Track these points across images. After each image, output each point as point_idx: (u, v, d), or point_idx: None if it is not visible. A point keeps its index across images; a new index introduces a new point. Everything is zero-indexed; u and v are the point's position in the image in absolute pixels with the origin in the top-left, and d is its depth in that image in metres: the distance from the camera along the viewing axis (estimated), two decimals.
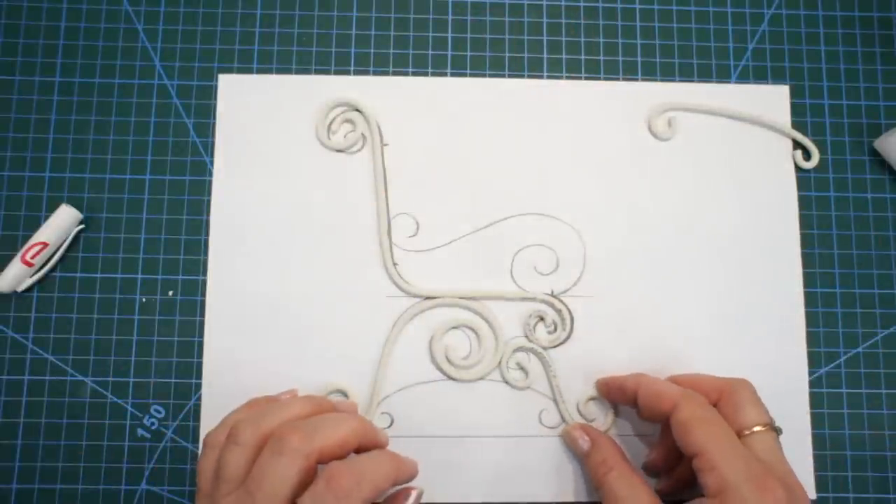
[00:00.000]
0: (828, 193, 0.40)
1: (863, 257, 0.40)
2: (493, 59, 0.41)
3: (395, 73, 0.40)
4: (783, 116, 0.40)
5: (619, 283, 0.39)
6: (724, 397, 0.32)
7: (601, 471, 0.33)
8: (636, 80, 0.41)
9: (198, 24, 0.40)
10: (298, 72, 0.40)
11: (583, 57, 0.41)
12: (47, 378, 0.37)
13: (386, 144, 0.40)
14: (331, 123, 0.40)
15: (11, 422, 0.37)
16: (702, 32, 0.41)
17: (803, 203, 0.40)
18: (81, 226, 0.38)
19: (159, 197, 0.39)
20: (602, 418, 0.37)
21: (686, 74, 0.41)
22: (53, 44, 0.40)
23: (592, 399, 0.37)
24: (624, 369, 0.37)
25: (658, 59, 0.41)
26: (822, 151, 0.40)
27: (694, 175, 0.40)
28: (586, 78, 0.41)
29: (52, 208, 0.38)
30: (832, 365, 0.39)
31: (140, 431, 0.37)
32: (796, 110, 0.41)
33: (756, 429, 0.31)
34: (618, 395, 0.36)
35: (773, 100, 0.41)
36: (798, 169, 0.40)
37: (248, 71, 0.40)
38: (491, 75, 0.41)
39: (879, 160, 0.40)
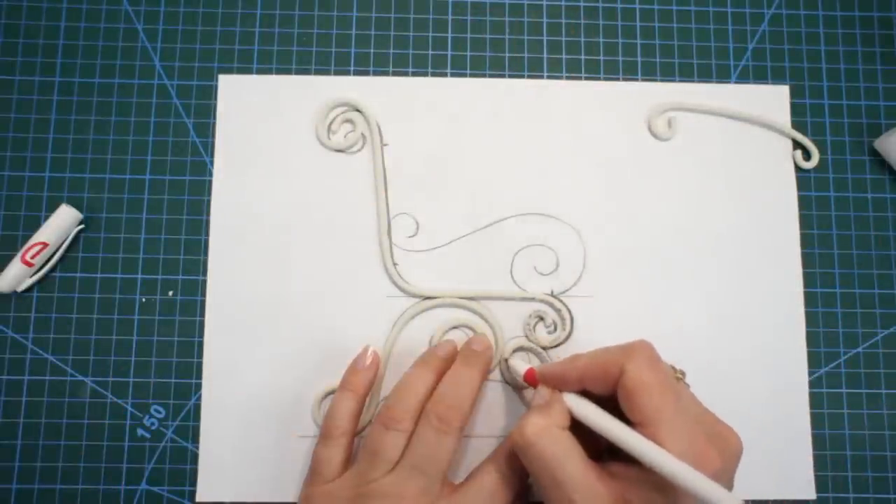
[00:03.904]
0: (828, 193, 0.40)
1: (863, 257, 0.40)
2: (493, 59, 0.41)
3: (395, 73, 0.40)
4: (783, 116, 0.40)
5: (619, 283, 0.39)
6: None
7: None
8: (636, 80, 0.41)
9: (198, 24, 0.40)
10: (298, 72, 0.40)
11: (583, 57, 0.41)
12: (47, 378, 0.37)
13: (386, 144, 0.40)
14: (331, 123, 0.40)
15: (11, 422, 0.37)
16: (702, 32, 0.41)
17: (803, 203, 0.40)
18: (81, 226, 0.38)
19: (159, 197, 0.39)
20: None
21: (686, 74, 0.41)
22: (53, 44, 0.40)
23: None
24: None
25: (658, 59, 0.41)
26: (822, 151, 0.40)
27: (694, 175, 0.40)
28: (586, 78, 0.41)
29: (52, 208, 0.38)
30: (832, 365, 0.39)
31: (140, 431, 0.37)
32: (796, 110, 0.41)
33: None
34: (562, 386, 0.32)
35: (773, 100, 0.41)
36: (798, 169, 0.40)
37: (248, 71, 0.40)
38: (491, 75, 0.41)
39: (879, 160, 0.40)
